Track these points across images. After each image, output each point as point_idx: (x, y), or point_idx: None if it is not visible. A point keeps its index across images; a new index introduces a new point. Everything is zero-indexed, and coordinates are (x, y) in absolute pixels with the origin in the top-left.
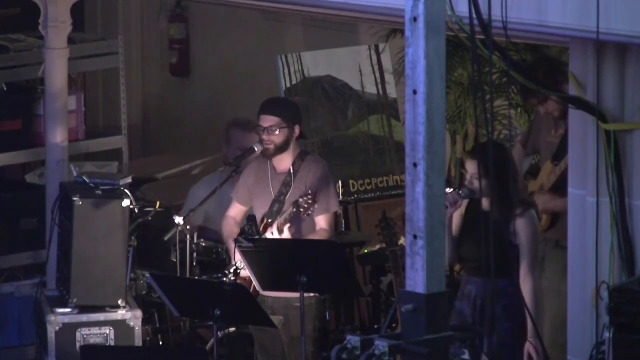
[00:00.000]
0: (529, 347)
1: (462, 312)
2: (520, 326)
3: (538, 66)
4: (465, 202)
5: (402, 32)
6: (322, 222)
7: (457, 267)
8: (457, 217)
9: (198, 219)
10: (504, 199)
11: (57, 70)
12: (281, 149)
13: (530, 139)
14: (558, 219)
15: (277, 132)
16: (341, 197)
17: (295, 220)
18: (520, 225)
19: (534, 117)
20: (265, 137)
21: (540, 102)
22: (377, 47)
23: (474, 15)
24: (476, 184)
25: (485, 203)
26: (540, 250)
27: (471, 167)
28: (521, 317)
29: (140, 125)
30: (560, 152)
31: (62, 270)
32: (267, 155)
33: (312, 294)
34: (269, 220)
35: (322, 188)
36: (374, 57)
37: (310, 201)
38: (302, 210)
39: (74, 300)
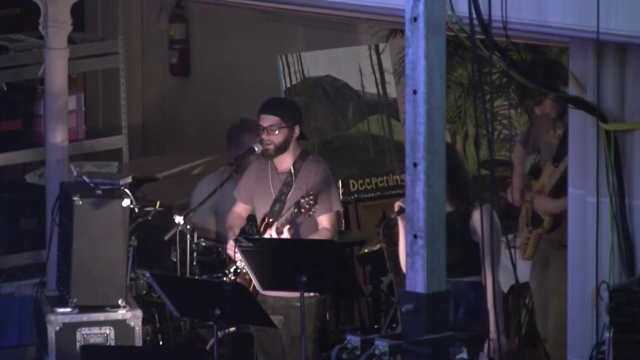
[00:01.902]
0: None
1: None
2: (485, 330)
3: (535, 68)
4: None
5: (402, 32)
6: (324, 221)
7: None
8: None
9: (210, 219)
10: (457, 197)
11: (57, 70)
12: (281, 148)
13: (530, 137)
14: (561, 220)
15: (276, 132)
16: (341, 196)
17: (296, 221)
18: (477, 222)
19: (533, 115)
20: (264, 136)
21: (536, 103)
22: (377, 47)
23: (474, 15)
24: None
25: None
26: (543, 251)
27: None
28: (485, 320)
29: (140, 125)
30: (559, 153)
31: (62, 270)
32: (267, 156)
33: (312, 294)
34: (270, 220)
35: (324, 188)
36: (374, 57)
37: (311, 202)
38: (303, 210)
39: (74, 300)
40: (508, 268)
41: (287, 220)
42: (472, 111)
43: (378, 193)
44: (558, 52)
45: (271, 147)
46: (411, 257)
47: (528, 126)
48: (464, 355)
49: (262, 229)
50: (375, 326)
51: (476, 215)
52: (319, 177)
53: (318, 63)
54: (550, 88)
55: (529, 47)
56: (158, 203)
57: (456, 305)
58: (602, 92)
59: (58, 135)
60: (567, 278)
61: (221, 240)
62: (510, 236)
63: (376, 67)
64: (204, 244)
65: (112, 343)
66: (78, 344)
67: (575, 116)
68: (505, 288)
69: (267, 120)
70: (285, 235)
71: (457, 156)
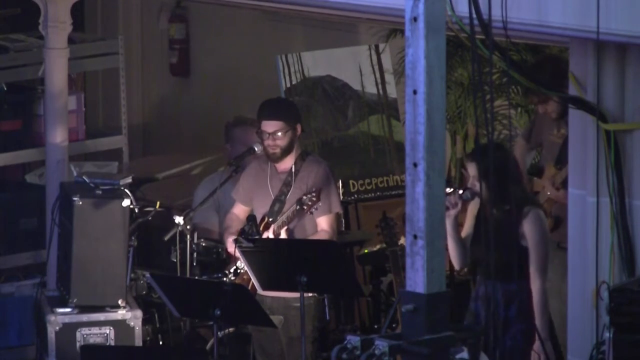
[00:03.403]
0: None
1: (478, 314)
2: (532, 328)
3: (545, 65)
4: (477, 204)
5: (402, 32)
6: (323, 223)
7: (458, 268)
8: (469, 219)
9: (212, 219)
10: (508, 200)
11: (57, 70)
12: (287, 150)
13: (533, 132)
14: (561, 222)
15: (281, 135)
16: (341, 197)
17: (296, 220)
18: (527, 226)
19: (535, 111)
20: (270, 142)
21: (541, 101)
22: (377, 47)
23: (474, 15)
24: (477, 185)
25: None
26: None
27: (471, 169)
28: (533, 319)
29: (140, 125)
30: (562, 155)
31: (62, 270)
32: (275, 160)
33: (310, 294)
34: (270, 220)
35: (324, 188)
36: (374, 57)
37: (314, 199)
38: (305, 207)
39: (74, 300)
40: None
41: (288, 218)
42: (472, 111)
43: (378, 193)
44: (558, 52)
45: (277, 151)
46: (411, 257)
47: (531, 121)
48: (465, 354)
49: (261, 229)
50: (375, 326)
51: (525, 222)
52: (320, 177)
53: (318, 63)
54: (556, 87)
55: (529, 47)
56: (158, 203)
57: (507, 303)
58: (602, 92)
59: (58, 135)
60: (565, 278)
61: (223, 240)
62: None
63: (376, 67)
64: (204, 244)
65: (112, 343)
66: (78, 344)
67: (575, 116)
68: None
69: (271, 125)
70: (283, 237)
71: (509, 158)
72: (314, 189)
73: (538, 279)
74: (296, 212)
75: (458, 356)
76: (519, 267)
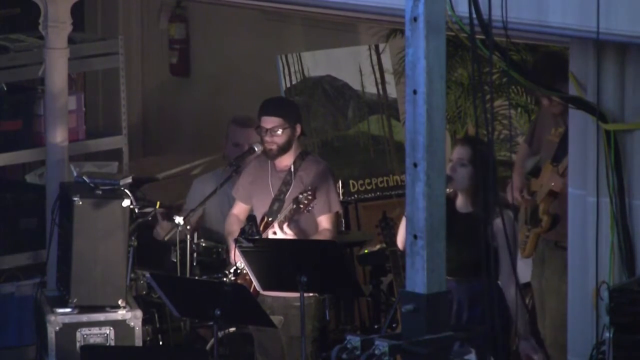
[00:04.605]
0: (524, 348)
1: None
2: (501, 329)
3: (551, 60)
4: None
5: (402, 32)
6: (324, 222)
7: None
8: None
9: (194, 217)
10: (484, 198)
11: (57, 70)
12: (284, 149)
13: (535, 137)
14: (558, 220)
15: (279, 133)
16: (341, 197)
17: (296, 218)
18: (497, 227)
19: (536, 114)
20: (267, 138)
21: (545, 95)
22: (377, 47)
23: (474, 15)
24: (459, 170)
25: (460, 203)
26: (540, 250)
27: (458, 152)
28: (502, 319)
29: (140, 125)
30: (559, 153)
31: (62, 270)
32: (271, 157)
33: (310, 294)
34: (269, 219)
35: (322, 186)
36: (374, 57)
37: (310, 197)
38: (301, 206)
39: (74, 300)
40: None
41: (286, 217)
42: (472, 111)
43: (378, 193)
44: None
45: (274, 147)
46: (411, 257)
47: (533, 125)
48: (472, 357)
49: (261, 229)
50: (375, 326)
51: (496, 222)
52: (318, 176)
53: (318, 63)
54: (558, 81)
55: (529, 47)
56: (158, 203)
57: (471, 304)
58: (602, 92)
59: (58, 135)
60: (564, 278)
61: (217, 238)
62: None
63: (376, 67)
64: (204, 244)
65: (112, 343)
66: (78, 344)
67: (575, 116)
68: None
69: (270, 122)
70: (286, 230)
71: (494, 157)
72: (309, 187)
73: (512, 281)
74: (293, 211)
75: (465, 357)
76: (481, 267)
